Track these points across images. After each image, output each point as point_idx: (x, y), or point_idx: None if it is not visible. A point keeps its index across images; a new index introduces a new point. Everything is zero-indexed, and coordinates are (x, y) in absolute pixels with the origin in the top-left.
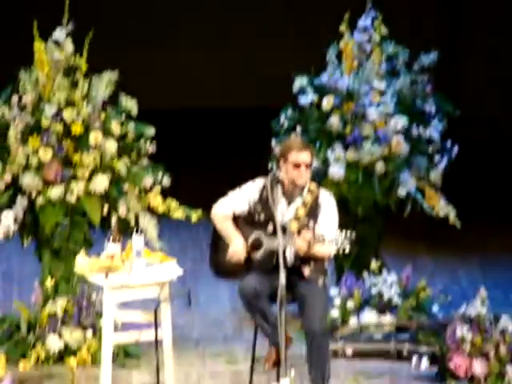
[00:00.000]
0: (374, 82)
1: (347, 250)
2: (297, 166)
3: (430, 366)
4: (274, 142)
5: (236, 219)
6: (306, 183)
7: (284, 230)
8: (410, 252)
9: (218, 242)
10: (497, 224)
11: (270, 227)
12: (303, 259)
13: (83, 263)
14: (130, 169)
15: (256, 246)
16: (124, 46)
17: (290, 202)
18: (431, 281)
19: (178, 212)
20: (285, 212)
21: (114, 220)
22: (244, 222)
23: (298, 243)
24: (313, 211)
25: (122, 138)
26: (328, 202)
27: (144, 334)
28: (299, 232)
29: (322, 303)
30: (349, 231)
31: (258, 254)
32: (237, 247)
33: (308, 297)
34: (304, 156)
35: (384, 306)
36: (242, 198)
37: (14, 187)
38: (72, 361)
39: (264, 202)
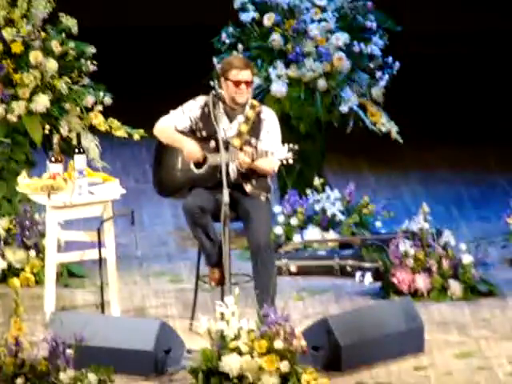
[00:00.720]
0: None
1: (291, 162)
2: (237, 83)
3: (374, 281)
4: (215, 60)
5: None
6: (246, 101)
7: (227, 146)
8: (352, 169)
9: (161, 160)
10: (438, 140)
11: (213, 143)
12: (246, 175)
13: (25, 183)
14: (71, 88)
15: (199, 162)
16: None
17: (231, 120)
18: (374, 197)
19: (120, 131)
20: (227, 129)
21: (55, 140)
22: None
23: (241, 158)
24: (255, 127)
25: (62, 57)
26: (270, 118)
27: (87, 254)
28: (242, 148)
29: (265, 218)
30: (291, 144)
31: (202, 170)
32: (191, 146)
33: (251, 212)
34: (245, 74)
35: (327, 223)
36: (183, 115)
37: None
38: (15, 281)
39: (205, 119)
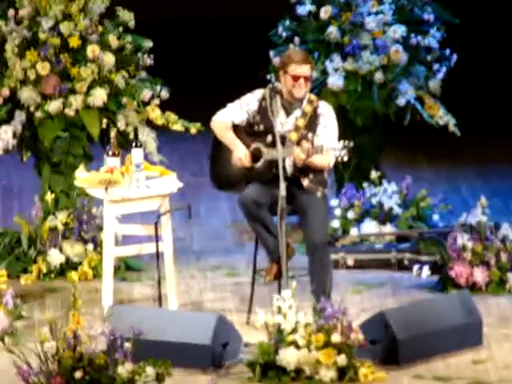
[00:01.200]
0: None
1: (346, 159)
2: (296, 78)
3: (431, 274)
4: (272, 54)
5: (235, 131)
6: (304, 96)
7: (283, 140)
8: (409, 162)
9: (218, 154)
10: (496, 133)
11: (269, 138)
12: (302, 170)
13: (83, 177)
14: (129, 82)
15: (256, 156)
16: None
17: (288, 114)
18: (431, 190)
19: (177, 125)
20: (284, 123)
21: (112, 134)
22: (243, 133)
23: (297, 153)
24: (312, 122)
25: (119, 51)
26: (327, 113)
27: (145, 248)
28: (299, 143)
29: (322, 214)
30: (347, 141)
31: (258, 164)
32: (241, 152)
33: (308, 208)
34: (304, 69)
35: (384, 216)
36: (240, 108)
37: (12, 102)
38: (73, 275)
39: (263, 113)
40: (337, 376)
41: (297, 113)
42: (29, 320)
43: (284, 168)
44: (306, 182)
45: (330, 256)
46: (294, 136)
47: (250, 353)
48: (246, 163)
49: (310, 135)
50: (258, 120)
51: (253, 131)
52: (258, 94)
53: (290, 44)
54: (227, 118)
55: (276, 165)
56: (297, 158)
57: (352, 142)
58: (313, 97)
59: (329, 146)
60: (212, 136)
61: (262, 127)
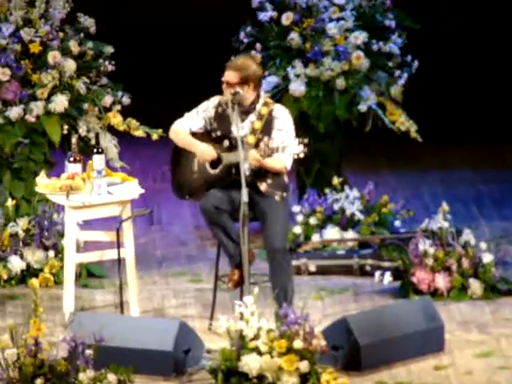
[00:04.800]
0: None
1: (302, 156)
2: (223, 82)
3: (393, 280)
4: (228, 63)
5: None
6: (231, 100)
7: (241, 144)
8: (371, 168)
9: (178, 164)
10: (457, 138)
11: (226, 143)
12: (259, 174)
13: (44, 183)
14: (90, 88)
15: (214, 162)
16: None
17: (243, 119)
18: (393, 196)
19: (139, 131)
20: (240, 127)
21: (74, 140)
22: (201, 139)
23: (253, 155)
24: (267, 126)
25: (80, 57)
26: (282, 116)
27: (106, 254)
28: (256, 146)
29: (281, 220)
30: (301, 138)
31: (217, 170)
32: (203, 147)
33: (267, 214)
34: (229, 75)
35: (346, 222)
36: (197, 116)
37: None
38: (34, 281)
39: (219, 119)
40: (299, 382)
41: (251, 117)
42: None
43: (243, 172)
44: (263, 187)
45: (291, 261)
46: (251, 139)
47: (212, 359)
48: (211, 156)
49: (265, 138)
50: (214, 126)
51: (210, 138)
52: (215, 100)
53: (252, 50)
54: (185, 126)
55: (235, 169)
56: (252, 159)
57: (307, 139)
58: (268, 100)
59: (283, 145)
60: (172, 145)
61: (218, 133)
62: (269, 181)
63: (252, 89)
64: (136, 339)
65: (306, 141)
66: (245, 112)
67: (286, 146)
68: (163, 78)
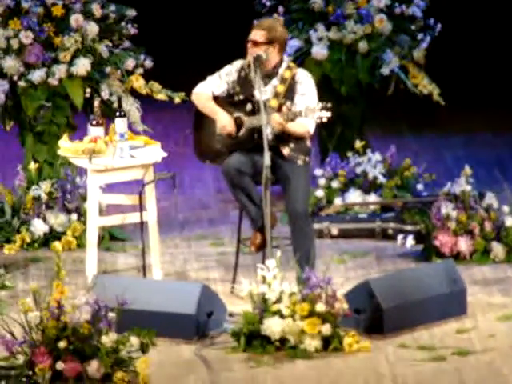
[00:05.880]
0: None
1: (325, 120)
2: (248, 41)
3: (416, 244)
4: (255, 23)
5: (216, 102)
6: (250, 62)
7: (264, 107)
8: (393, 131)
9: (200, 127)
10: (480, 102)
11: (249, 106)
12: (282, 138)
13: (66, 147)
14: (112, 51)
15: (237, 125)
16: None
17: (266, 83)
18: (415, 160)
19: (161, 94)
20: (262, 91)
21: (96, 103)
22: (224, 103)
23: (276, 119)
24: (290, 90)
25: (103, 20)
26: (305, 80)
27: (129, 217)
28: (279, 109)
29: (303, 183)
30: (324, 103)
31: (240, 133)
32: (224, 120)
33: (289, 177)
34: (256, 34)
35: (369, 186)
36: (220, 79)
37: None
38: (57, 245)
39: (242, 83)
40: (321, 345)
41: (274, 81)
42: (12, 290)
43: (266, 136)
44: (286, 151)
45: (313, 225)
46: (274, 102)
47: (234, 322)
48: (231, 130)
49: (288, 103)
50: (237, 90)
51: (233, 101)
52: (238, 64)
53: (274, 13)
54: (207, 90)
55: (258, 133)
56: (275, 123)
57: (330, 103)
58: (292, 64)
59: (307, 109)
60: (194, 109)
61: (241, 97)
62: (291, 145)
63: (277, 51)
64: (158, 302)
65: (329, 105)
66: (268, 75)
67: (309, 110)
68: (186, 41)
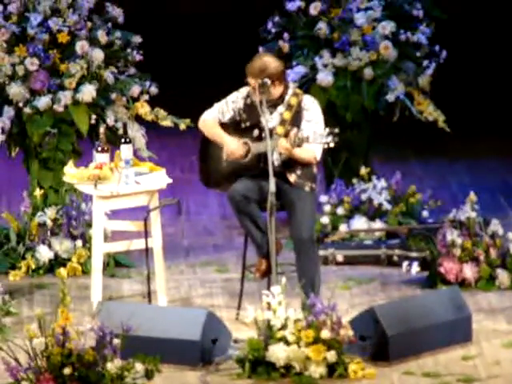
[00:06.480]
0: None
1: (332, 145)
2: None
3: (421, 271)
4: (261, 50)
5: (222, 129)
6: (259, 100)
7: (270, 134)
8: (399, 158)
9: (206, 154)
10: (485, 128)
11: (256, 132)
12: (289, 165)
13: (72, 173)
14: (118, 78)
15: (244, 151)
16: None
17: (271, 112)
18: (421, 186)
19: (167, 121)
20: (269, 119)
21: (101, 129)
22: (230, 130)
23: (282, 144)
24: (297, 116)
25: (108, 47)
26: (311, 107)
27: (134, 244)
28: (286, 136)
29: (309, 210)
30: (331, 128)
31: (246, 159)
32: (233, 145)
33: (295, 204)
34: (251, 81)
35: (374, 212)
36: (227, 106)
37: (1, 97)
38: (62, 271)
39: (249, 110)
40: (326, 372)
41: (280, 109)
42: (17, 316)
43: (272, 162)
44: (293, 178)
45: (317, 251)
46: (280, 129)
47: (239, 349)
48: (240, 154)
49: (294, 130)
50: (244, 117)
51: (240, 128)
52: (244, 91)
53: (280, 40)
54: (214, 117)
55: (264, 159)
56: (281, 148)
57: (337, 129)
58: (298, 90)
59: (312, 135)
60: (200, 135)
61: (248, 123)
62: (298, 172)
63: (278, 84)
64: (163, 329)
65: (336, 130)
66: (273, 105)
67: (316, 136)
68: (191, 67)
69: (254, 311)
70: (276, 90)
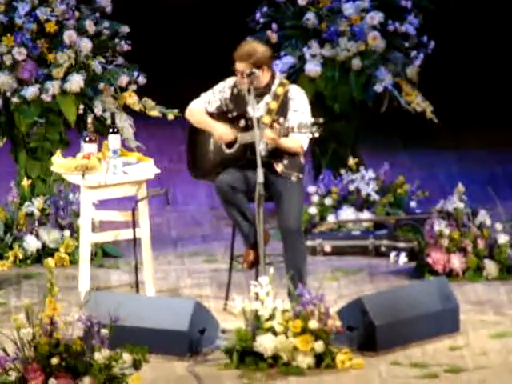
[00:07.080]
0: None
1: (317, 135)
2: (238, 72)
3: (408, 261)
4: (249, 40)
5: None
6: (247, 88)
7: (257, 123)
8: (387, 149)
9: (194, 143)
10: (473, 119)
11: (242, 122)
12: (276, 155)
13: (60, 163)
14: (106, 67)
15: (230, 142)
16: None
17: (258, 101)
18: (409, 177)
19: (154, 111)
20: (255, 109)
21: (89, 119)
22: (217, 120)
23: (268, 134)
24: (283, 106)
25: (96, 37)
26: (298, 97)
27: (122, 234)
28: (272, 126)
29: (296, 200)
30: (316, 118)
31: (233, 150)
32: (221, 129)
33: (282, 194)
34: (239, 66)
35: (362, 203)
36: (213, 96)
37: None
38: (50, 261)
39: (235, 100)
40: (314, 362)
41: (267, 98)
42: (5, 306)
43: (259, 152)
44: (279, 168)
45: (305, 242)
46: (267, 119)
47: (227, 339)
48: (229, 138)
49: (281, 120)
50: (230, 107)
51: (226, 118)
52: (231, 81)
53: (268, 30)
54: (201, 107)
55: (251, 149)
56: (267, 138)
57: (322, 118)
58: (284, 80)
59: (300, 125)
60: (188, 126)
61: (234, 113)
62: (285, 162)
63: (266, 70)
64: (151, 319)
65: (321, 120)
66: (260, 94)
67: (302, 126)
68: (179, 57)
69: (242, 301)
70: (264, 77)
